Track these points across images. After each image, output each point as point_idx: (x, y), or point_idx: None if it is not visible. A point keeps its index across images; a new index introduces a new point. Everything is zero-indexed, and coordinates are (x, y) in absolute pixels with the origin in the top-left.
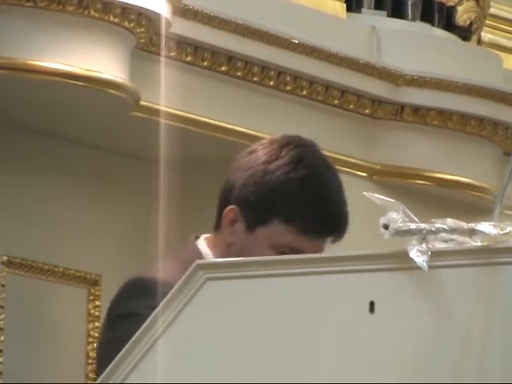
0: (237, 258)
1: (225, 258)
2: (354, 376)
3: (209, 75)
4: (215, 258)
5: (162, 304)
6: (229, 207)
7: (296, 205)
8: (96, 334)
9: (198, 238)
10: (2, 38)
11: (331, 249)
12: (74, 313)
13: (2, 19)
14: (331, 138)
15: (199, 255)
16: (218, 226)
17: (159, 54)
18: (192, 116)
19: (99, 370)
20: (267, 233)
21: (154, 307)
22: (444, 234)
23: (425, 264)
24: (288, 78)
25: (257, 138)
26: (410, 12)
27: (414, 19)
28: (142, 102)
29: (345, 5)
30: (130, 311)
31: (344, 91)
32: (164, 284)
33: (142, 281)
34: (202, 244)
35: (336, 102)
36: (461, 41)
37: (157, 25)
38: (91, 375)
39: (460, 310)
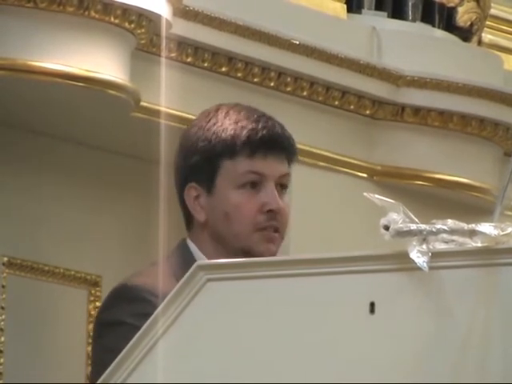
0: (238, 259)
1: (211, 240)
2: (355, 376)
3: (209, 76)
4: (203, 250)
5: (162, 305)
6: (185, 190)
7: (231, 138)
8: None
9: (184, 240)
10: (2, 39)
11: (331, 249)
12: (74, 314)
13: (2, 20)
14: (331, 138)
15: (189, 253)
16: (189, 223)
17: (159, 55)
18: (192, 116)
19: (90, 371)
20: (224, 178)
21: (141, 314)
22: (444, 235)
23: (425, 265)
24: (288, 79)
25: None
26: (410, 13)
27: (414, 20)
28: (142, 103)
29: (345, 5)
30: (117, 319)
31: (344, 92)
32: (150, 291)
33: (129, 288)
34: (190, 244)
35: (336, 102)
36: (461, 42)
37: (157, 26)
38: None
39: (460, 311)
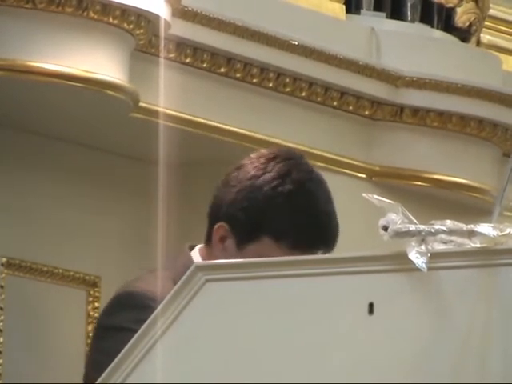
0: (236, 260)
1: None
2: (354, 377)
3: (208, 77)
4: None
5: (161, 305)
6: (218, 224)
7: (284, 221)
8: None
9: (191, 247)
10: (1, 39)
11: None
12: (73, 314)
13: (0, 20)
14: (330, 139)
15: (191, 264)
16: (208, 240)
17: (158, 56)
18: (191, 117)
19: (84, 372)
20: (257, 250)
21: (142, 321)
22: (443, 236)
23: (424, 265)
24: (287, 80)
25: (256, 140)
26: (409, 13)
27: (413, 20)
28: (141, 104)
29: (344, 6)
30: (119, 325)
31: (343, 93)
32: (154, 298)
33: (132, 294)
34: (196, 255)
35: (335, 103)
36: (460, 42)
37: (156, 26)
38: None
39: (459, 311)
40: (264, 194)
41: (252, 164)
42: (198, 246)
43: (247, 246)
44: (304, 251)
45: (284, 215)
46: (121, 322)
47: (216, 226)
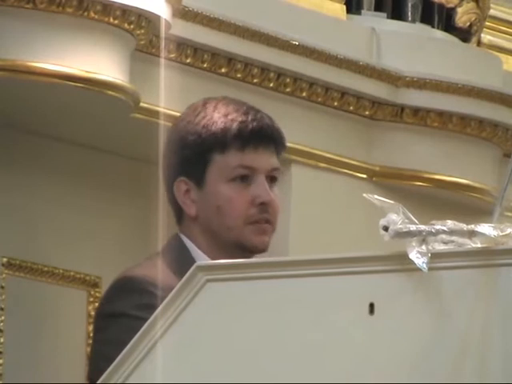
0: (237, 260)
1: (204, 234)
2: (354, 377)
3: (208, 77)
4: (196, 243)
5: (161, 305)
6: (174, 185)
7: (221, 131)
8: None
9: (177, 234)
10: (1, 40)
11: (330, 250)
12: (73, 314)
13: (1, 20)
14: (331, 139)
15: (183, 246)
16: (179, 217)
17: (159, 56)
18: None
19: (89, 368)
20: (215, 172)
21: (142, 305)
22: (444, 236)
23: (425, 265)
24: (288, 80)
25: None
26: (409, 14)
27: (413, 21)
28: (141, 104)
29: (344, 6)
30: (118, 311)
31: (344, 93)
32: (153, 282)
33: (131, 279)
34: (182, 236)
35: (336, 103)
36: (461, 42)
37: (156, 26)
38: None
39: (460, 312)
40: (195, 125)
41: (182, 115)
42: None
43: (205, 179)
44: (252, 146)
45: (216, 128)
46: (121, 307)
47: (175, 188)
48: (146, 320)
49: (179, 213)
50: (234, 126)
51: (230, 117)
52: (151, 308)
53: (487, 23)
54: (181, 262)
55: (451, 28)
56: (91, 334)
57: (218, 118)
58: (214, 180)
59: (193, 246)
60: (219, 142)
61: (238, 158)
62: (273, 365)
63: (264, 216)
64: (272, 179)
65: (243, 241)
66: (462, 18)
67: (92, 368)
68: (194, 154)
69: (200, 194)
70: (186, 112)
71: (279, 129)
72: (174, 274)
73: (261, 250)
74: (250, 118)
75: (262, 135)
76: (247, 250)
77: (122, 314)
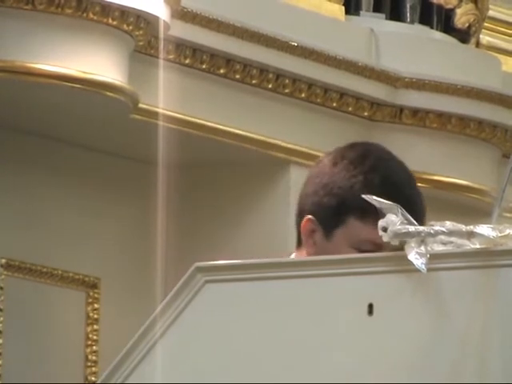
0: (236, 261)
1: None
2: (354, 377)
3: (207, 78)
4: None
5: (161, 306)
6: (304, 219)
7: (365, 200)
8: (95, 337)
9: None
10: (0, 41)
11: None
12: (72, 315)
13: (0, 21)
14: (330, 140)
15: None
16: (299, 243)
17: (158, 57)
18: (190, 118)
19: None
20: (345, 234)
21: None
22: (443, 237)
23: (423, 266)
24: (287, 81)
25: (255, 141)
26: (408, 15)
27: (412, 22)
28: (140, 105)
29: (343, 7)
30: None
31: (343, 94)
32: None
33: None
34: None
35: (335, 104)
36: (459, 43)
37: (155, 27)
38: (90, 377)
39: (459, 312)
40: (343, 176)
41: (330, 155)
42: (292, 255)
43: (335, 233)
44: None
45: (365, 192)
46: None
47: (303, 222)
48: None
49: (299, 240)
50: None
51: (380, 187)
52: None
53: (486, 24)
54: None
55: (450, 29)
56: (90, 335)
57: (374, 185)
58: (342, 239)
59: None
60: (361, 208)
61: (370, 234)
62: (272, 365)
63: None
64: None
65: None
66: (461, 19)
67: None
68: (335, 207)
69: (323, 241)
70: (347, 159)
71: (425, 208)
72: None
73: None
74: (402, 195)
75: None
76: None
77: None
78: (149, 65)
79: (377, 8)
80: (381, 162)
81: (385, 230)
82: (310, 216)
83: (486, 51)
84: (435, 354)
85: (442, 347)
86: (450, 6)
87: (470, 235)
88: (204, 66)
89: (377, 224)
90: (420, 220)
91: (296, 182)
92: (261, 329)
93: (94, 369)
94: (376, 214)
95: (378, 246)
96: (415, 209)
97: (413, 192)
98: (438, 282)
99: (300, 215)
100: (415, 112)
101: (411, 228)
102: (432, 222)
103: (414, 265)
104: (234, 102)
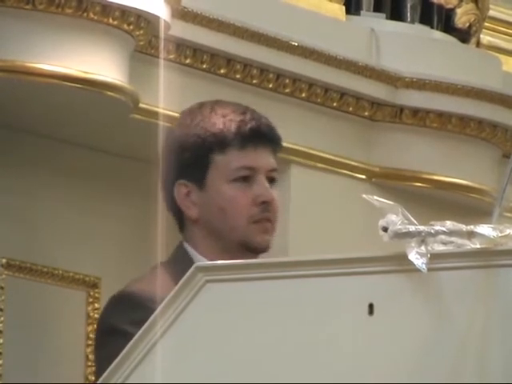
0: (237, 261)
1: (206, 237)
2: (354, 377)
3: (208, 78)
4: (199, 248)
5: (161, 306)
6: (175, 187)
7: (220, 131)
8: None
9: (181, 242)
10: (0, 40)
11: (330, 251)
12: (73, 315)
13: (0, 21)
14: (330, 140)
15: (187, 256)
16: (181, 224)
17: (158, 57)
18: None
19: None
20: (215, 174)
21: (140, 322)
22: (443, 237)
23: (424, 266)
24: (287, 81)
25: None
26: (409, 14)
27: (413, 21)
28: (141, 105)
29: (344, 7)
30: (115, 328)
31: (343, 93)
32: (151, 297)
33: (128, 295)
34: (186, 245)
35: (335, 104)
36: (460, 43)
37: (156, 27)
38: (90, 377)
39: (459, 312)
40: (187, 127)
41: (179, 120)
42: (186, 244)
43: (206, 180)
44: (251, 146)
45: (217, 127)
46: (117, 324)
47: (175, 190)
48: None
49: (180, 219)
50: (233, 125)
51: (228, 117)
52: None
53: (486, 24)
54: (185, 273)
55: (450, 29)
56: (90, 335)
57: (217, 119)
58: (216, 181)
59: (196, 255)
60: (219, 142)
61: (239, 159)
62: (272, 365)
63: (266, 215)
64: (271, 180)
65: (247, 240)
66: (462, 18)
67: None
68: (194, 155)
69: (201, 195)
70: (182, 116)
71: (276, 129)
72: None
73: (264, 248)
74: (248, 117)
75: (260, 134)
76: (251, 250)
77: (119, 330)
78: (149, 64)
79: (377, 8)
80: (217, 103)
81: (385, 229)
82: (178, 181)
83: (486, 51)
84: (435, 354)
85: (443, 347)
86: (450, 6)
87: (471, 235)
88: (204, 66)
89: (241, 151)
90: (275, 141)
91: (296, 181)
92: (261, 328)
93: (94, 368)
94: (234, 140)
95: (252, 169)
96: (260, 118)
97: (252, 109)
98: (438, 282)
99: (169, 194)
100: (415, 112)
101: (412, 228)
102: (432, 222)
103: (414, 265)
104: (235, 101)
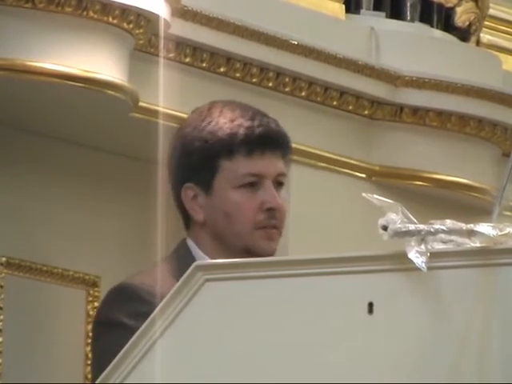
0: (236, 260)
1: (211, 240)
2: (354, 376)
3: (207, 76)
4: (203, 249)
5: (161, 305)
6: (182, 190)
7: (228, 137)
8: None
9: (184, 239)
10: (0, 39)
11: (330, 250)
12: (72, 314)
13: (0, 20)
14: (330, 139)
15: (188, 253)
16: (187, 223)
17: (158, 55)
18: None
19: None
20: (222, 179)
21: (138, 314)
22: (443, 235)
23: (424, 265)
24: (287, 79)
25: None
26: (408, 13)
27: (412, 20)
28: (140, 103)
29: (344, 6)
30: (113, 319)
31: (343, 92)
32: (150, 291)
33: (126, 287)
34: (190, 242)
35: (335, 103)
36: (460, 42)
37: (155, 26)
38: (90, 376)
39: (459, 311)
40: (194, 130)
41: (188, 120)
42: (188, 240)
43: (213, 185)
44: (259, 153)
45: (223, 134)
46: (115, 316)
47: (182, 193)
48: (138, 329)
49: (187, 219)
50: (241, 131)
51: (236, 122)
52: (146, 316)
53: (486, 23)
54: (185, 269)
55: (450, 27)
56: (90, 334)
57: (224, 123)
58: (222, 186)
59: (199, 253)
60: (226, 148)
61: (245, 166)
62: (272, 364)
63: (272, 222)
64: (279, 184)
65: (251, 246)
66: (461, 17)
67: (92, 376)
68: (201, 160)
69: (207, 199)
70: (191, 117)
71: (285, 133)
72: (176, 282)
73: (268, 255)
74: (256, 123)
75: (268, 140)
76: (255, 255)
77: (116, 322)
78: (149, 63)
79: (377, 6)
80: (221, 105)
81: (385, 228)
82: (185, 184)
83: (486, 50)
84: (435, 353)
85: (442, 346)
86: (450, 5)
87: (471, 234)
88: (204, 65)
89: (248, 158)
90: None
91: (296, 180)
92: (260, 327)
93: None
94: (241, 146)
95: (258, 176)
96: (270, 123)
97: (263, 113)
98: (438, 281)
99: (177, 195)
100: (415, 110)
101: (411, 226)
102: (432, 221)
103: (414, 263)
104: (234, 100)
